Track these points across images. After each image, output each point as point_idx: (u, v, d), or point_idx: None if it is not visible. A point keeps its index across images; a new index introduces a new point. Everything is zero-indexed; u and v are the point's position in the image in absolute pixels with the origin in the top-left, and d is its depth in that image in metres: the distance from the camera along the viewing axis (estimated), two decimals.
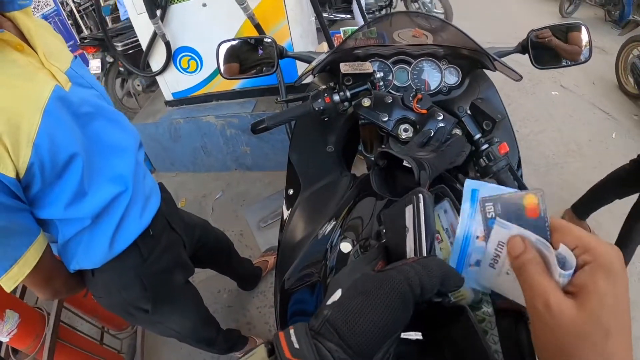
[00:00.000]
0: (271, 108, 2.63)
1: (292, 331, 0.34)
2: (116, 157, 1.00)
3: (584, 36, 0.99)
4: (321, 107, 0.92)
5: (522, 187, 0.90)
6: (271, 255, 2.32)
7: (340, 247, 0.75)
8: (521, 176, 0.98)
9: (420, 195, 0.44)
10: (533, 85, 3.78)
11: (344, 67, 0.91)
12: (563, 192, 2.64)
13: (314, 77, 1.11)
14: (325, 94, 0.91)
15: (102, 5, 4.55)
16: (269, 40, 1.11)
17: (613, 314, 0.32)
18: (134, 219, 1.05)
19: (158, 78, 2.76)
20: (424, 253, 0.41)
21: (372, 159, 1.05)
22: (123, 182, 1.01)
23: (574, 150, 3.04)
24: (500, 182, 0.88)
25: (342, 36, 3.17)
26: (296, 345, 0.32)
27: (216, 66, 1.11)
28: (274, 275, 1.01)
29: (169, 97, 2.87)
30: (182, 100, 2.87)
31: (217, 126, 2.77)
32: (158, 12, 2.31)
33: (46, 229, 0.94)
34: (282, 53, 1.10)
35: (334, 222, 0.86)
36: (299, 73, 2.54)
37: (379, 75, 0.99)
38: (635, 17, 3.54)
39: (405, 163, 0.67)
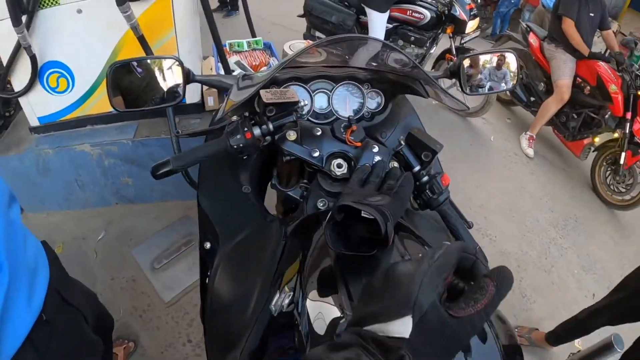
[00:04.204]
0: (155, 133, 2.35)
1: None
2: None
3: (512, 63, 0.98)
4: (241, 144, 0.76)
5: (462, 218, 0.86)
6: (120, 345, 1.78)
7: None
8: None
9: None
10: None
11: (266, 96, 0.77)
12: (452, 195, 2.82)
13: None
14: (246, 129, 0.76)
15: None
16: (174, 60, 0.90)
17: None
18: (21, 308, 0.78)
19: (21, 100, 2.26)
20: None
21: (298, 198, 0.90)
22: None
23: (458, 155, 3.30)
24: (443, 215, 0.83)
25: (228, 49, 2.93)
26: None
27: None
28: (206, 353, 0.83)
29: (34, 122, 2.37)
30: (50, 125, 2.39)
31: (93, 156, 2.38)
32: (24, 19, 1.86)
33: None
34: (188, 77, 0.90)
35: (292, 283, 0.70)
36: (197, 94, 2.35)
37: (302, 103, 0.87)
38: (507, 31, 4.04)
39: (363, 214, 0.57)
